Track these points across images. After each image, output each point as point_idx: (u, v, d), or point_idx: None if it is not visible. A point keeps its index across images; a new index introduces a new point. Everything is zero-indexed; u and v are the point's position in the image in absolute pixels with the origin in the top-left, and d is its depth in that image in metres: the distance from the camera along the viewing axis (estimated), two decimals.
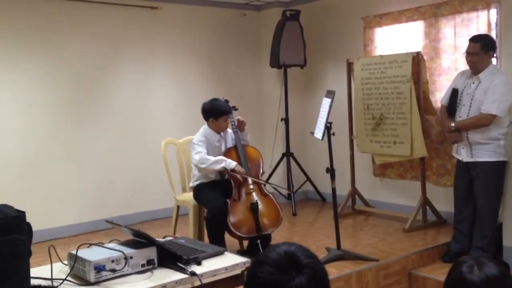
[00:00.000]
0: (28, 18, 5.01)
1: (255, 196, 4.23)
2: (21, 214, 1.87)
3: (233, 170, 4.13)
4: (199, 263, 2.31)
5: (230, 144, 4.43)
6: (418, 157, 4.90)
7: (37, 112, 5.08)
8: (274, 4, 6.37)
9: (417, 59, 4.78)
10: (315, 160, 6.35)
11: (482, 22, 4.63)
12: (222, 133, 4.39)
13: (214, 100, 4.37)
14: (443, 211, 5.03)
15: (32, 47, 5.04)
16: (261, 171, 4.41)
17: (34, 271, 2.09)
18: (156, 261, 2.27)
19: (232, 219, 4.08)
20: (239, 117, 4.48)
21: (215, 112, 4.28)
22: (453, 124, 4.12)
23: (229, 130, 4.45)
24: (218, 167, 4.15)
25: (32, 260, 1.95)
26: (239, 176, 4.16)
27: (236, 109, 4.57)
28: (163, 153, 4.62)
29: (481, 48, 3.98)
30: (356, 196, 5.63)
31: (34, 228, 1.96)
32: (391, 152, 5.01)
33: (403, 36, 5.31)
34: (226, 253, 2.51)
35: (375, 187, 5.76)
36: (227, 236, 4.15)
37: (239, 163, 4.24)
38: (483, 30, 4.56)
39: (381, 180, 5.69)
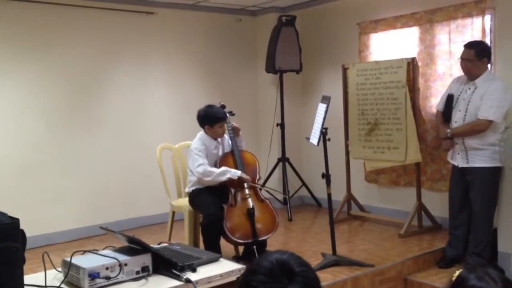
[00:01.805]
0: (23, 23, 5.00)
1: (251, 201, 4.22)
2: (15, 221, 1.86)
3: (239, 179, 4.15)
4: (194, 270, 2.31)
5: (227, 149, 4.42)
6: (412, 162, 4.91)
7: (32, 117, 5.07)
8: (270, 9, 6.39)
9: (412, 65, 4.81)
10: (310, 165, 6.36)
11: (476, 28, 4.65)
12: (219, 139, 4.38)
13: (209, 106, 4.35)
14: (438, 217, 5.04)
15: (27, 52, 5.03)
16: (257, 176, 4.41)
17: (28, 278, 2.08)
18: (151, 268, 2.27)
19: (228, 224, 4.07)
20: (234, 123, 4.46)
21: (210, 119, 4.26)
22: (449, 130, 4.13)
23: (226, 136, 4.44)
24: (224, 178, 4.13)
25: (26, 266, 1.94)
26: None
27: (233, 114, 4.57)
28: (158, 158, 4.62)
29: (476, 55, 3.99)
30: (352, 202, 5.64)
31: (28, 234, 1.95)
32: (385, 157, 5.02)
33: (398, 42, 5.34)
34: (221, 259, 2.51)
35: (370, 193, 5.76)
36: (222, 242, 4.14)
37: (236, 168, 4.24)
38: (477, 36, 4.58)
39: (376, 185, 5.69)
